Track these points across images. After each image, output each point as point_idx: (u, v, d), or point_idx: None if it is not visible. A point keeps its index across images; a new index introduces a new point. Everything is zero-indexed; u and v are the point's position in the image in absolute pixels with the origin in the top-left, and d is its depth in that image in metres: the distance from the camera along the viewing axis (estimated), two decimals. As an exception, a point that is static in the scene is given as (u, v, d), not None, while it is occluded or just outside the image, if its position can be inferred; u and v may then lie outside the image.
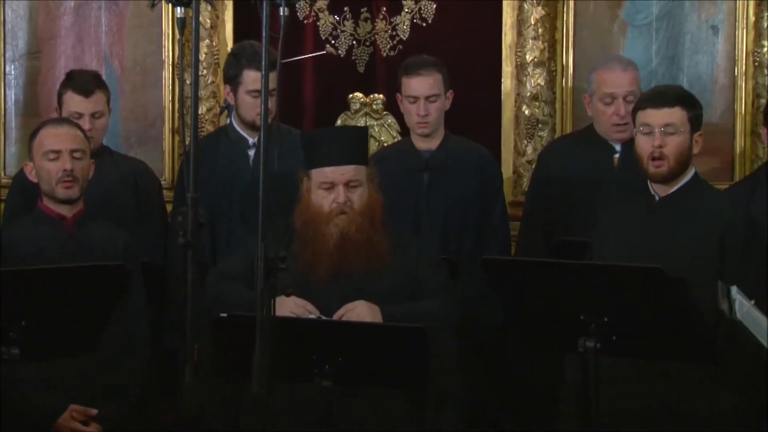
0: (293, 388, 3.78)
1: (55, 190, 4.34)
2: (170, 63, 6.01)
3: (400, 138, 5.81)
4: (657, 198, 4.20)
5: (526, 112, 5.85)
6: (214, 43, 5.99)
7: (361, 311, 4.03)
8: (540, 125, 5.84)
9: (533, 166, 5.55)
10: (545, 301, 3.69)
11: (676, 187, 4.19)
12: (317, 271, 4.14)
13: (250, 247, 4.22)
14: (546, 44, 5.80)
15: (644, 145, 4.16)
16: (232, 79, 4.99)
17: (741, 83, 5.71)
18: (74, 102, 4.95)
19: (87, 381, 4.18)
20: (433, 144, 5.18)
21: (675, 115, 4.15)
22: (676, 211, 4.15)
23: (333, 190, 4.20)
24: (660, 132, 4.13)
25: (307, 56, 6.03)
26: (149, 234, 5.05)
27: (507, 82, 5.93)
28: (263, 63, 3.02)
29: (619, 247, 4.18)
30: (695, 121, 4.19)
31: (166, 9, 5.87)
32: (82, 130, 4.52)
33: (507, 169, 5.80)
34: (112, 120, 5.27)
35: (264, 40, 3.02)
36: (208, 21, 5.96)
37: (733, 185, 5.28)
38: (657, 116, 4.15)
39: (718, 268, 4.02)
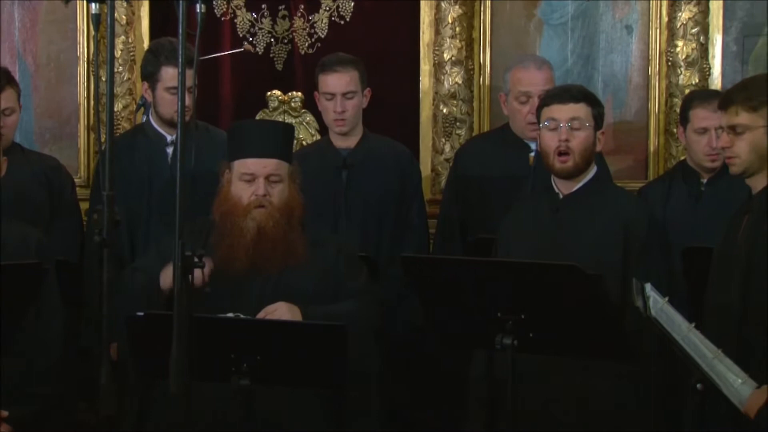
0: (211, 388, 3.76)
1: (-36, 190, 4.26)
2: (85, 59, 5.94)
3: (318, 136, 5.81)
4: (561, 196, 4.25)
5: (444, 111, 5.87)
6: (129, 40, 5.93)
7: (281, 313, 4.01)
8: (458, 124, 5.87)
9: (451, 165, 5.58)
10: (463, 298, 3.70)
11: (579, 185, 4.24)
12: (234, 265, 4.11)
13: (165, 244, 4.20)
14: (463, 43, 5.83)
15: (550, 141, 4.21)
16: (149, 75, 4.95)
17: (655, 82, 5.78)
18: (-18, 99, 4.86)
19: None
20: (351, 142, 5.18)
21: (580, 110, 4.21)
22: (579, 208, 4.20)
23: (253, 182, 4.17)
24: (566, 127, 4.18)
25: (224, 53, 6.00)
26: (63, 232, 4.98)
27: (425, 81, 5.95)
28: (180, 60, 3.00)
29: (524, 245, 4.22)
30: (598, 119, 4.26)
31: (81, 5, 5.81)
32: (-7, 128, 4.45)
33: (425, 168, 5.82)
34: (27, 117, 5.21)
35: (180, 37, 3.00)
36: (124, 17, 5.90)
37: (648, 184, 5.35)
38: (563, 111, 4.20)
39: (621, 265, 4.08)
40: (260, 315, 4.01)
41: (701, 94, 5.09)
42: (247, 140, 4.20)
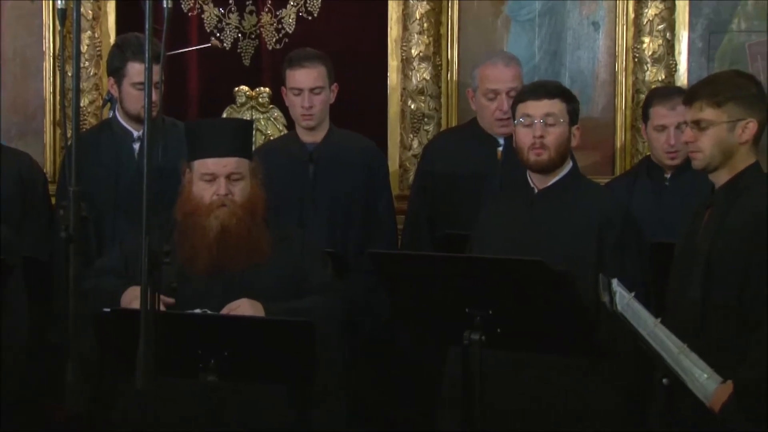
0: (178, 384, 3.75)
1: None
2: (51, 54, 5.91)
3: (286, 132, 5.80)
4: (536, 191, 4.27)
5: (412, 107, 5.87)
6: (96, 35, 5.90)
7: (244, 309, 4.00)
8: (425, 119, 5.87)
9: (418, 160, 5.58)
10: (431, 294, 3.70)
11: (554, 180, 4.25)
12: (197, 265, 4.09)
13: (129, 241, 4.19)
14: (431, 39, 5.84)
15: (524, 137, 4.22)
16: (116, 71, 4.93)
17: (621, 79, 5.81)
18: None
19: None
20: (318, 137, 5.18)
21: (555, 106, 4.23)
22: (554, 203, 4.21)
23: (214, 182, 4.15)
24: (540, 123, 4.19)
25: (191, 49, 5.98)
26: (34, 228, 4.96)
27: (393, 77, 5.95)
28: (146, 55, 2.98)
29: (499, 240, 4.22)
30: (573, 114, 4.27)
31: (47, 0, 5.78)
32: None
33: (393, 163, 5.82)
34: (-8, 113, 5.17)
35: (147, 32, 2.98)
36: (90, 12, 5.87)
37: (615, 179, 5.38)
38: (537, 107, 4.22)
39: (596, 260, 4.10)
40: (223, 312, 4.00)
41: (661, 92, 5.12)
42: (206, 140, 4.17)
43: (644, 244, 4.30)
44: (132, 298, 4.00)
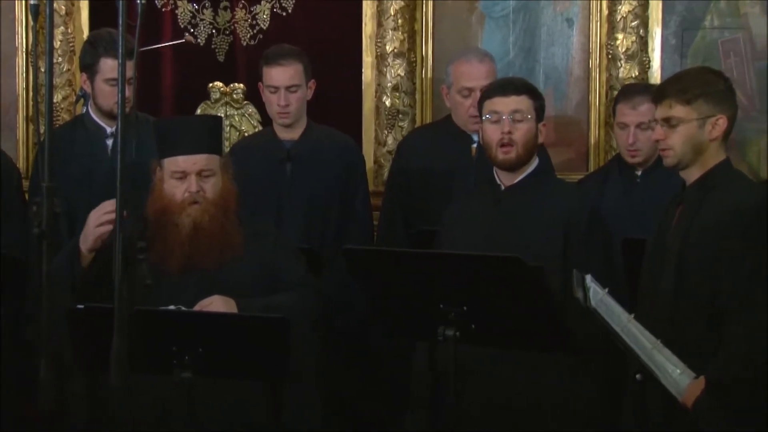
0: (153, 380, 3.74)
1: None
2: (24, 50, 5.88)
3: (260, 128, 5.79)
4: (502, 188, 4.28)
5: (387, 103, 5.87)
6: (69, 31, 5.88)
7: (216, 306, 3.98)
8: (400, 116, 5.88)
9: (393, 157, 5.58)
10: (405, 290, 3.70)
11: (520, 177, 4.26)
12: (169, 263, 4.07)
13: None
14: (405, 35, 5.84)
15: (492, 134, 4.24)
16: (88, 67, 4.91)
17: (595, 75, 5.83)
18: None
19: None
20: (295, 134, 5.17)
21: (522, 102, 4.24)
22: (520, 200, 4.23)
23: (185, 179, 4.13)
24: (508, 119, 4.21)
25: (165, 45, 5.96)
26: (9, 225, 4.92)
27: (367, 73, 5.95)
28: (119, 51, 2.97)
29: (466, 236, 4.23)
30: (540, 111, 4.29)
31: (20, -5, 5.76)
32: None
33: (368, 160, 5.82)
34: (-36, 108, 5.14)
35: (120, 28, 2.97)
36: (63, 8, 5.85)
37: (587, 176, 5.40)
38: (505, 104, 4.23)
39: (561, 257, 4.11)
40: (195, 309, 3.99)
41: (626, 90, 5.16)
42: (175, 138, 4.15)
43: (611, 241, 4.31)
44: (92, 222, 4.01)
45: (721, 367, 3.49)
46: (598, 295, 3.53)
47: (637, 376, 3.57)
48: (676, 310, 3.71)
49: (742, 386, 3.41)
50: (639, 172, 5.01)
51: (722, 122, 3.76)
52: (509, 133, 4.20)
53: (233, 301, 4.00)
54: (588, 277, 3.57)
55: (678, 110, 3.75)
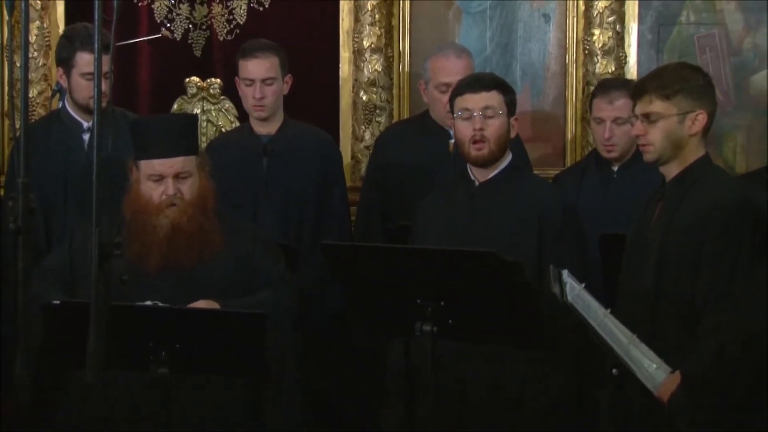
0: (129, 376, 3.73)
1: None
2: (-1, 45, 5.85)
3: (237, 123, 5.78)
4: (476, 183, 4.28)
5: (364, 98, 5.87)
6: (45, 25, 5.85)
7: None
8: (377, 111, 5.87)
9: (371, 152, 5.58)
10: (383, 285, 3.71)
11: (494, 173, 4.28)
12: (147, 263, 4.06)
13: (76, 235, 4.15)
14: (383, 30, 5.84)
15: (464, 130, 4.25)
16: (64, 61, 4.89)
17: (572, 70, 5.84)
18: None
19: None
20: (272, 128, 5.16)
21: (493, 98, 4.25)
22: (494, 196, 4.24)
23: (162, 182, 4.11)
24: (479, 115, 4.21)
25: (142, 39, 5.94)
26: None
27: (345, 68, 5.94)
28: (95, 46, 2.96)
29: (440, 232, 4.24)
30: (511, 106, 4.30)
31: (-5, -11, 5.71)
32: None
33: (345, 155, 5.81)
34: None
35: (96, 22, 2.96)
36: (39, 2, 5.82)
37: (563, 171, 5.41)
38: (475, 100, 4.24)
39: (535, 252, 4.12)
40: None
41: (602, 85, 5.16)
42: (151, 140, 4.12)
43: (585, 236, 4.33)
44: None
45: (695, 361, 3.50)
46: (574, 290, 3.54)
47: (614, 370, 3.58)
48: (656, 306, 3.72)
49: (714, 381, 3.43)
50: (616, 168, 5.03)
51: (702, 117, 3.78)
52: (481, 129, 4.21)
53: (217, 305, 3.99)
54: (565, 272, 3.58)
55: (658, 106, 3.76)
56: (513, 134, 4.34)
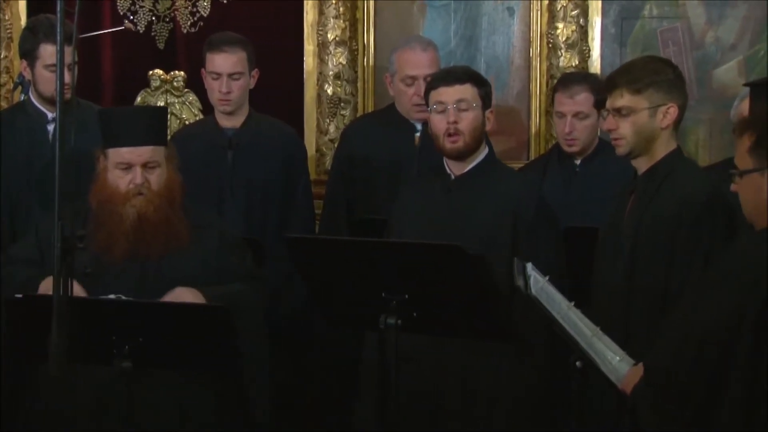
0: (92, 371, 3.71)
1: None
2: (-39, 38, 5.81)
3: (201, 116, 5.76)
4: (453, 177, 4.29)
5: (329, 91, 5.87)
6: (6, 17, 5.81)
7: (184, 297, 3.95)
8: (342, 104, 5.87)
9: (336, 145, 5.58)
10: (348, 278, 3.71)
11: (470, 166, 4.27)
12: (113, 253, 4.05)
13: (42, 227, 4.12)
14: (347, 23, 5.83)
15: (439, 124, 4.24)
16: (28, 53, 4.86)
17: (536, 64, 5.85)
18: None
19: None
20: (236, 122, 5.15)
21: (467, 91, 4.25)
22: (470, 189, 4.24)
23: (130, 170, 4.10)
24: (454, 108, 4.21)
25: (105, 32, 5.90)
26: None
27: (309, 61, 5.94)
28: (58, 37, 2.95)
29: (417, 225, 4.24)
30: (486, 98, 4.30)
31: (-44, -19, 5.68)
32: None
33: (310, 148, 5.81)
34: None
35: (59, 14, 2.95)
36: (0, -6, 5.79)
37: (527, 165, 5.43)
38: (449, 93, 4.23)
39: (510, 245, 4.13)
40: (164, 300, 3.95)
41: (564, 79, 5.19)
42: (120, 129, 4.12)
43: (559, 229, 4.34)
44: (50, 287, 3.94)
45: (658, 353, 3.52)
46: (538, 283, 3.55)
47: (577, 363, 3.59)
48: (629, 299, 3.75)
49: (677, 373, 3.44)
50: (578, 161, 5.05)
51: (673, 111, 3.81)
52: (455, 122, 4.20)
53: (198, 292, 3.98)
54: (529, 265, 3.58)
55: (629, 100, 3.78)
56: (488, 127, 4.33)
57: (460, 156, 4.24)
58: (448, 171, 4.30)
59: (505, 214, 4.17)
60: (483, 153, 4.30)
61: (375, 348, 4.17)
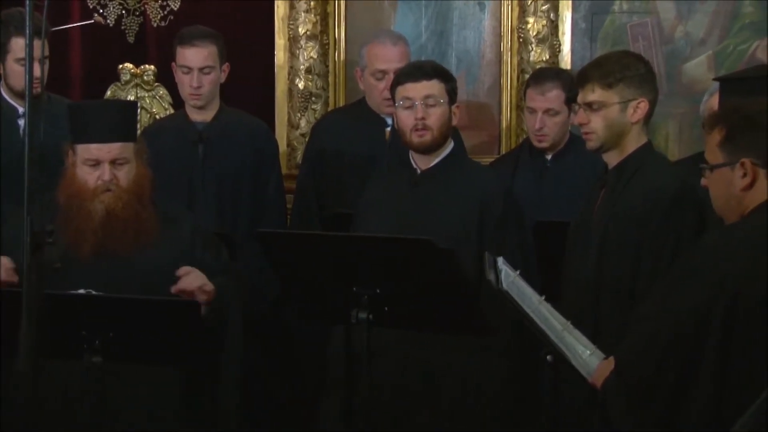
0: (62, 365, 3.70)
1: None
2: (-71, 31, 5.75)
3: (171, 110, 5.74)
4: (419, 171, 4.29)
5: (300, 86, 5.86)
6: (-24, 10, 5.76)
7: (194, 276, 3.94)
8: (313, 98, 5.86)
9: (307, 140, 5.57)
10: (319, 273, 3.71)
11: (436, 160, 4.29)
12: (82, 249, 4.02)
13: (12, 222, 4.10)
14: (318, 17, 5.82)
15: (406, 119, 4.25)
16: (-1, 47, 4.84)
17: (507, 59, 5.86)
18: None
19: None
20: (207, 116, 5.14)
21: (434, 87, 4.26)
22: (437, 183, 4.25)
23: (98, 167, 4.07)
24: (421, 105, 4.22)
25: (74, 25, 5.87)
26: None
27: (280, 55, 5.92)
28: (27, 30, 2.93)
29: (383, 219, 4.25)
30: (452, 94, 4.32)
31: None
32: None
33: (281, 143, 5.79)
34: None
35: (27, 7, 2.93)
36: (-31, -13, 5.73)
37: (497, 159, 5.44)
38: (416, 89, 4.25)
39: (478, 239, 4.14)
40: (178, 273, 3.95)
41: (536, 75, 5.20)
42: (89, 124, 4.08)
43: (526, 223, 4.35)
44: (5, 262, 3.93)
45: (628, 346, 3.53)
46: (509, 277, 3.55)
47: (548, 357, 3.61)
48: (599, 293, 3.76)
49: (646, 366, 3.45)
50: (549, 156, 5.06)
51: (643, 105, 3.84)
52: (423, 118, 4.22)
53: (204, 277, 3.97)
54: (500, 260, 3.59)
55: (600, 94, 3.81)
56: (455, 122, 4.35)
57: (427, 150, 4.26)
58: (414, 165, 4.31)
59: (472, 208, 4.19)
60: (449, 147, 4.32)
61: (341, 344, 4.18)
